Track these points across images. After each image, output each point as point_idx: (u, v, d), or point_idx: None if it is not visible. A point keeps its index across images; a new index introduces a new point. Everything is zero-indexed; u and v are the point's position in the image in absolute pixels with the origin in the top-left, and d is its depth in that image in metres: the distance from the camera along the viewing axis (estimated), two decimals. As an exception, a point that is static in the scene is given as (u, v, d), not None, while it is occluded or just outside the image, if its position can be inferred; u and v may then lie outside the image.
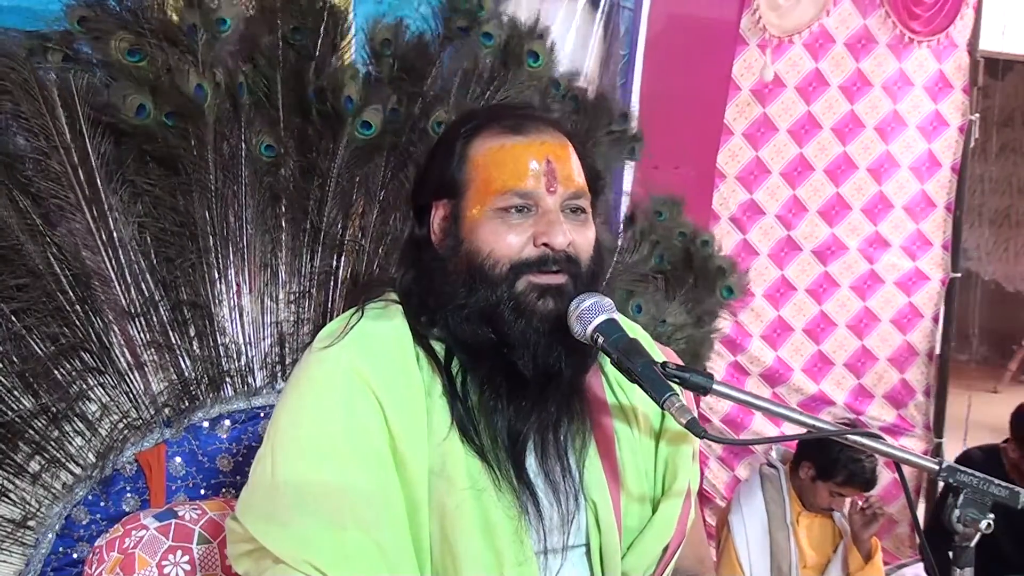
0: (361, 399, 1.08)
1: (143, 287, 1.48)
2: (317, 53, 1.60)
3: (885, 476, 3.68)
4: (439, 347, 1.15)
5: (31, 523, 1.43)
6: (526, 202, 1.12)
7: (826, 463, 2.48)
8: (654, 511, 1.22)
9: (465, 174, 1.14)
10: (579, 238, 1.14)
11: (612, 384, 1.26)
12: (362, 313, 1.16)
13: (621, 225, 2.06)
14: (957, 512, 1.04)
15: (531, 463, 1.13)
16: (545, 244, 1.11)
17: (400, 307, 1.18)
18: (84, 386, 1.45)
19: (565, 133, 1.19)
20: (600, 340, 1.09)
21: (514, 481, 1.11)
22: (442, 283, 1.14)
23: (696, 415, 1.04)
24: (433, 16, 1.76)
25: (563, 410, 1.15)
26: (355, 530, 1.03)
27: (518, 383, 1.12)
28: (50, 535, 1.44)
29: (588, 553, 1.18)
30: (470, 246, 1.13)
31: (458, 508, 1.07)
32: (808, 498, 2.59)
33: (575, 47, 2.87)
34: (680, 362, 1.20)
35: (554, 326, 1.12)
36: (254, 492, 1.09)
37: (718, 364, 3.42)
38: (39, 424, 1.41)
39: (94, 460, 1.46)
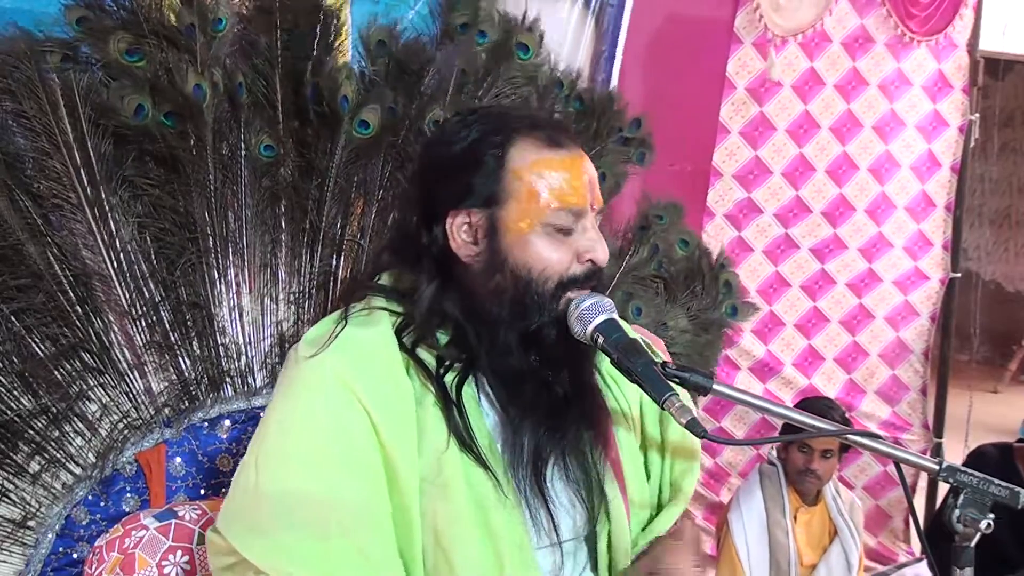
0: (348, 408, 1.07)
1: (143, 287, 1.48)
2: (314, 53, 1.60)
3: (876, 470, 3.71)
4: (428, 356, 1.14)
5: (31, 523, 1.43)
6: (576, 220, 1.12)
7: (786, 429, 2.49)
8: (653, 513, 1.23)
9: (505, 184, 1.11)
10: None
11: (607, 382, 1.26)
12: (346, 320, 1.14)
13: (624, 228, 2.05)
14: (957, 512, 1.04)
15: (552, 476, 1.14)
16: (591, 260, 1.12)
17: (385, 313, 1.16)
18: (84, 386, 1.45)
19: (578, 142, 1.18)
20: (600, 340, 1.09)
21: (527, 490, 1.11)
22: (482, 300, 1.13)
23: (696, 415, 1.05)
24: (431, 15, 1.76)
25: (591, 420, 1.17)
26: (339, 539, 1.03)
27: (553, 402, 1.13)
28: (50, 535, 1.44)
29: (587, 542, 1.18)
30: (517, 260, 1.11)
31: (456, 516, 1.07)
32: (793, 477, 2.59)
33: (570, 47, 2.87)
34: (666, 352, 1.22)
35: (557, 328, 1.12)
36: (236, 502, 1.08)
37: (710, 359, 3.45)
38: (39, 424, 1.41)
39: (94, 460, 1.46)
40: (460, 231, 1.13)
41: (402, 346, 1.13)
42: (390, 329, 1.14)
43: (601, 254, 1.13)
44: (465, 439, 1.10)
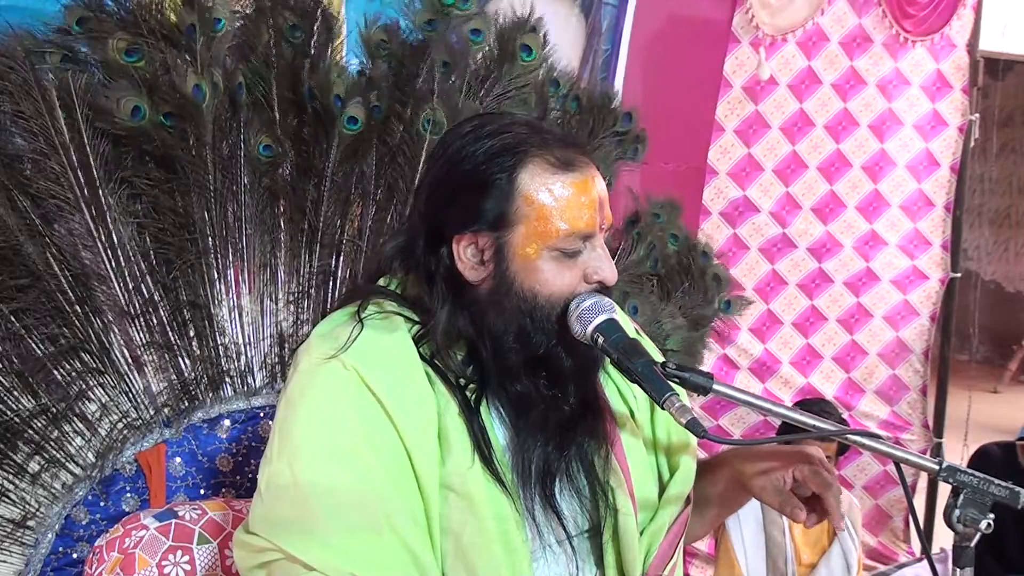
0: (372, 412, 1.07)
1: (142, 287, 1.48)
2: (312, 52, 1.60)
3: (876, 470, 3.71)
4: (448, 367, 1.14)
5: (31, 523, 1.42)
6: (585, 243, 1.12)
7: (785, 428, 2.49)
8: (655, 510, 1.23)
9: (515, 208, 1.10)
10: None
11: (615, 380, 1.27)
12: (362, 322, 1.13)
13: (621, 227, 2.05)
14: (957, 512, 1.04)
15: (560, 488, 1.14)
16: (599, 281, 1.12)
17: (401, 319, 1.15)
18: (84, 386, 1.45)
19: (590, 156, 1.17)
20: (600, 340, 1.09)
21: (536, 504, 1.12)
22: (492, 322, 1.12)
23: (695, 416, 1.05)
24: (424, 11, 1.75)
25: (596, 430, 1.17)
26: (390, 535, 1.03)
27: (560, 419, 1.13)
28: (50, 535, 1.44)
29: (592, 541, 1.19)
30: (523, 285, 1.10)
31: (482, 531, 1.07)
32: None
33: (559, 44, 2.87)
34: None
35: (565, 346, 1.12)
36: (274, 504, 1.07)
37: (708, 358, 3.44)
38: (39, 424, 1.41)
39: (94, 460, 1.46)
40: (466, 253, 1.12)
41: (421, 355, 1.13)
42: (408, 337, 1.14)
43: (609, 274, 1.12)
44: (486, 455, 1.10)
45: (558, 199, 1.09)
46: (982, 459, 2.95)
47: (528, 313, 1.11)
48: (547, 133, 1.15)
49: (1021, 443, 2.92)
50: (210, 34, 1.50)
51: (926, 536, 3.57)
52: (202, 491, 1.53)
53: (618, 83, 3.05)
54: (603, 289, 1.14)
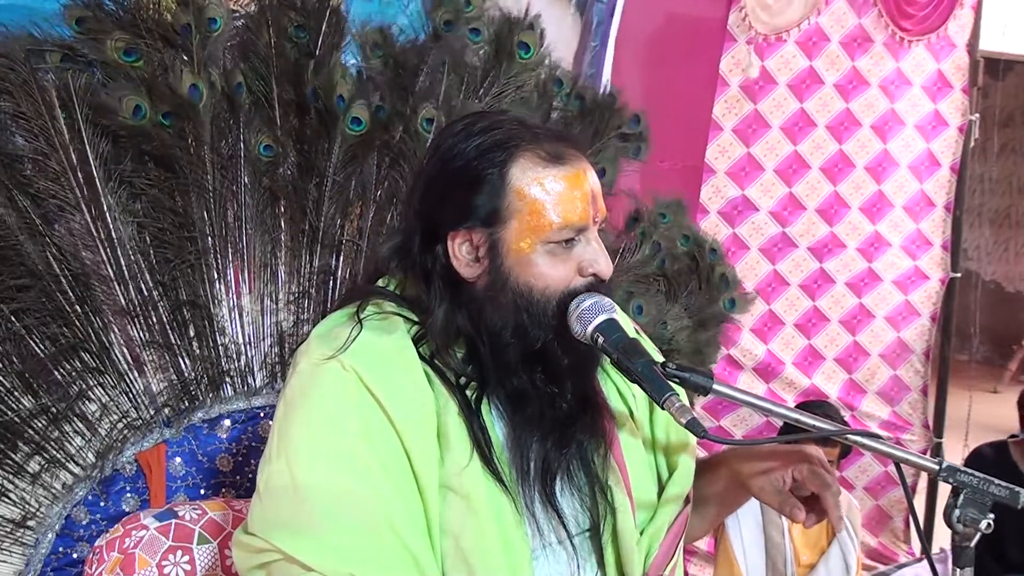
0: (371, 412, 1.08)
1: (142, 287, 1.48)
2: (318, 52, 1.60)
3: (876, 470, 3.71)
4: (447, 367, 1.14)
5: (31, 523, 1.42)
6: (578, 236, 1.12)
7: (786, 429, 2.49)
8: (656, 509, 1.23)
9: (507, 203, 1.10)
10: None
11: (614, 380, 1.27)
12: (361, 323, 1.14)
13: (624, 226, 2.05)
14: (957, 512, 1.04)
15: (559, 486, 1.14)
16: (593, 274, 1.12)
17: (400, 320, 1.16)
18: (84, 386, 1.45)
19: (582, 150, 1.17)
20: (600, 340, 1.09)
21: (535, 502, 1.12)
22: (489, 317, 1.12)
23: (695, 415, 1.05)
24: (423, 13, 1.75)
25: (595, 428, 1.17)
26: (390, 535, 1.03)
27: (559, 416, 1.13)
28: (50, 535, 1.44)
29: (592, 541, 1.19)
30: (518, 279, 1.11)
31: (481, 531, 1.07)
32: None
33: (555, 40, 2.87)
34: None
35: (561, 342, 1.12)
36: (273, 504, 1.07)
37: (709, 358, 3.45)
38: (39, 424, 1.41)
39: (94, 460, 1.46)
40: (461, 250, 1.13)
41: (420, 355, 1.13)
42: (407, 337, 1.14)
43: (604, 267, 1.13)
44: (486, 454, 1.10)
45: (550, 192, 1.10)
46: (976, 461, 2.95)
47: (525, 308, 1.11)
48: (537, 128, 1.16)
49: (1013, 440, 2.92)
50: (206, 33, 1.50)
51: (926, 536, 3.57)
52: (202, 491, 1.53)
53: (605, 77, 3.05)
54: (602, 286, 1.14)
